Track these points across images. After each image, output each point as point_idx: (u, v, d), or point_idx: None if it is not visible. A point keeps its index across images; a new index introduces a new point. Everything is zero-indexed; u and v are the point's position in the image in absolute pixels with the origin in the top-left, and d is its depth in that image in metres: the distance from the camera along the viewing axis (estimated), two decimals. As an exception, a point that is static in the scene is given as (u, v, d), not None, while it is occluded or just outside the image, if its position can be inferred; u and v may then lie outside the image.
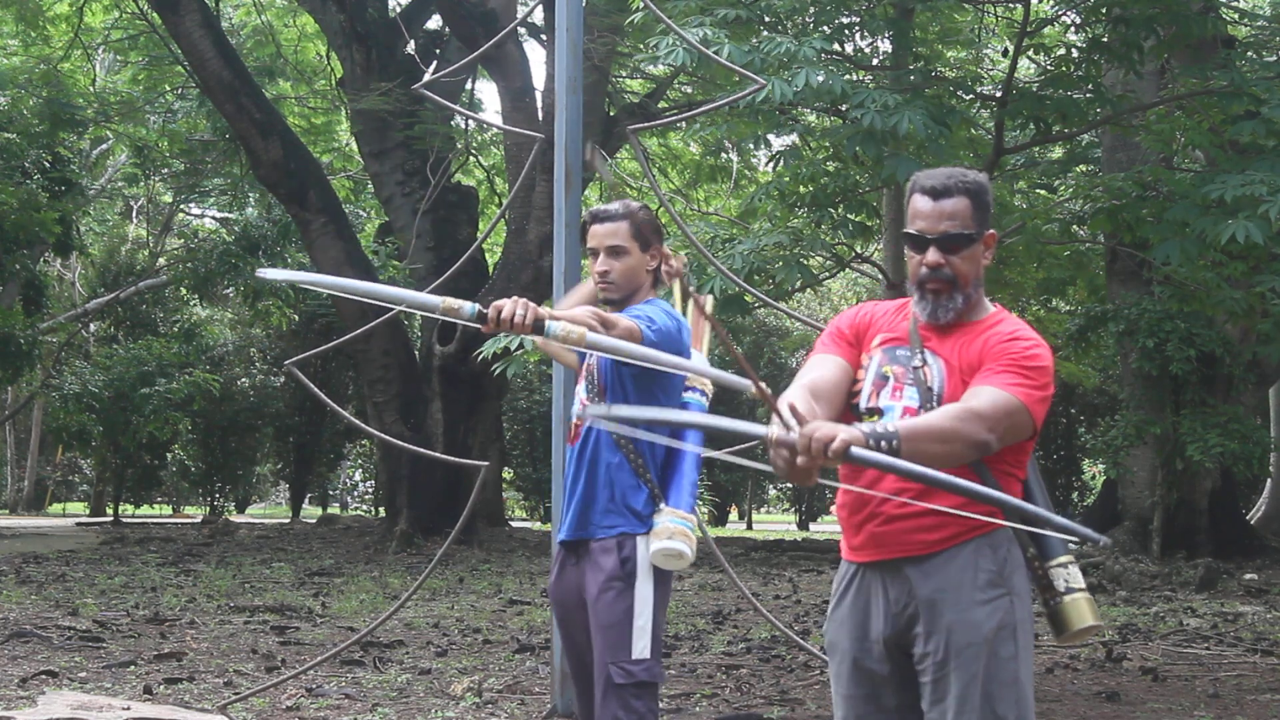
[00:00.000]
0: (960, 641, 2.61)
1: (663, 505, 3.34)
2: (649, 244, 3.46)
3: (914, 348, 2.74)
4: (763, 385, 2.47)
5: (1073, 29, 9.56)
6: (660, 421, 2.81)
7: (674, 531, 3.28)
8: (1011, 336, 2.70)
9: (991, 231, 2.78)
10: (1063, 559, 2.73)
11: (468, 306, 3.07)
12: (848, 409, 2.77)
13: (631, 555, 3.31)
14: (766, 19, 7.22)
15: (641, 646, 3.27)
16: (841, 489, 2.75)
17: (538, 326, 3.06)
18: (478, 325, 3.09)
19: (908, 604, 2.67)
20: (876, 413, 2.72)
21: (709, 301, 3.98)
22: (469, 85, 18.69)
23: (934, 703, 2.64)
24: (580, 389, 3.49)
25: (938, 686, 2.63)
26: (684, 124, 10.62)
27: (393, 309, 3.30)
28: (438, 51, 17.35)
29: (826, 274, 8.86)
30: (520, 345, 7.16)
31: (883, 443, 2.37)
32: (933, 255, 2.71)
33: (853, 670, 2.75)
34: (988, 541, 2.65)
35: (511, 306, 3.05)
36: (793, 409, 2.35)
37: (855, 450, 2.31)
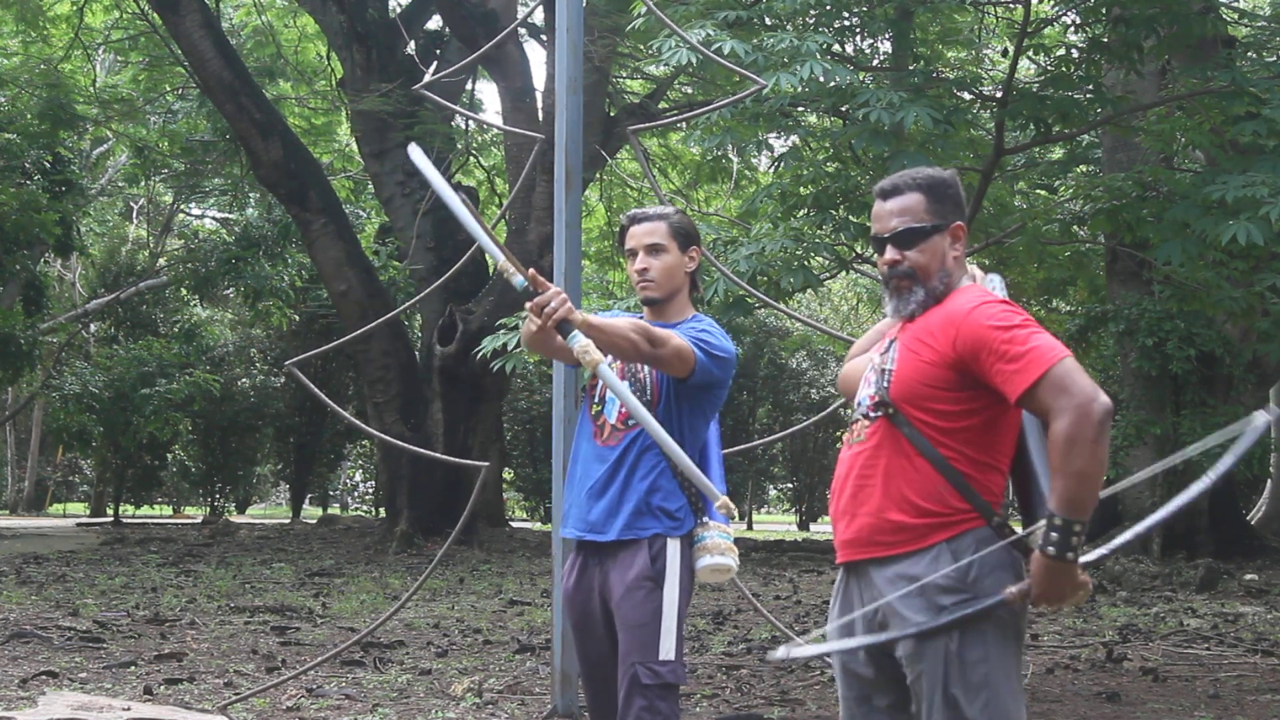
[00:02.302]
0: (922, 648, 2.63)
1: (706, 519, 3.35)
2: (687, 245, 3.48)
3: (889, 341, 2.82)
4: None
5: (1073, 29, 9.55)
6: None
7: (726, 548, 3.33)
8: (970, 309, 2.66)
9: (958, 223, 2.78)
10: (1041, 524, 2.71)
11: (519, 278, 3.04)
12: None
13: (662, 555, 3.31)
14: (768, 21, 7.22)
15: (668, 648, 3.27)
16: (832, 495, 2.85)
17: (563, 328, 3.03)
18: (524, 299, 3.06)
19: (879, 609, 2.71)
20: (857, 405, 2.82)
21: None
22: (469, 86, 18.69)
23: (915, 704, 2.69)
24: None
25: (915, 688, 2.68)
26: (684, 125, 10.63)
27: (480, 241, 3.23)
28: (438, 52, 17.35)
29: (827, 275, 8.85)
30: (520, 344, 7.17)
31: (1069, 536, 2.53)
32: (889, 253, 2.76)
33: (843, 673, 2.80)
34: (950, 546, 2.64)
35: (548, 297, 3.02)
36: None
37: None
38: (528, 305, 3.04)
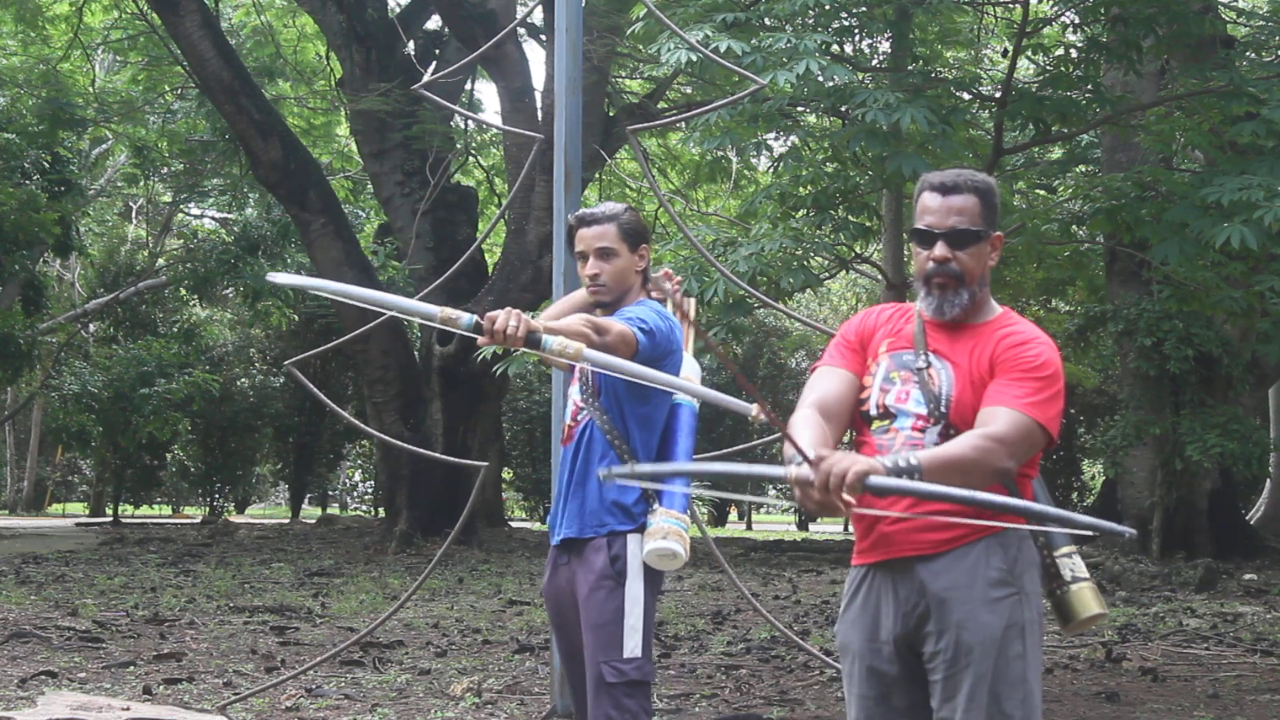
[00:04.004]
0: (970, 640, 2.62)
1: (656, 506, 3.35)
2: (637, 244, 3.49)
3: (918, 350, 2.76)
4: (773, 413, 2.56)
5: (1072, 29, 9.56)
6: (684, 473, 3.07)
7: (668, 531, 3.28)
8: (1021, 342, 2.70)
9: (998, 234, 2.81)
10: (1067, 549, 2.76)
11: (465, 317, 3.05)
12: (858, 416, 2.79)
13: (621, 554, 3.32)
14: (767, 21, 7.22)
15: (633, 645, 3.28)
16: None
17: (531, 339, 3.02)
18: (475, 335, 3.07)
19: (918, 603, 2.68)
20: (887, 416, 2.74)
21: (692, 305, 4.03)
22: (468, 85, 18.69)
23: (944, 701, 2.65)
24: (574, 390, 3.49)
25: (948, 685, 2.64)
26: (684, 125, 10.64)
27: (389, 312, 3.28)
28: (437, 52, 17.35)
29: (827, 275, 8.86)
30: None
31: (904, 475, 2.42)
32: (940, 250, 2.73)
33: (865, 672, 2.76)
34: (998, 540, 2.65)
35: (505, 318, 3.01)
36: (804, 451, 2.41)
37: (873, 480, 2.37)
38: (482, 340, 3.05)
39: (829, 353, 2.89)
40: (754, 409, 3.18)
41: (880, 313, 2.89)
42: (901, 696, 2.73)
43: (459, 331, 3.07)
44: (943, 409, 2.68)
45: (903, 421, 2.72)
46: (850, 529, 2.97)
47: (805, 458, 2.39)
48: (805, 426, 2.63)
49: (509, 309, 3.07)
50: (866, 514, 2.68)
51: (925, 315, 2.79)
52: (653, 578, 3.35)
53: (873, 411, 2.76)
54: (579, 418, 3.44)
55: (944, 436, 2.67)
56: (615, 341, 3.22)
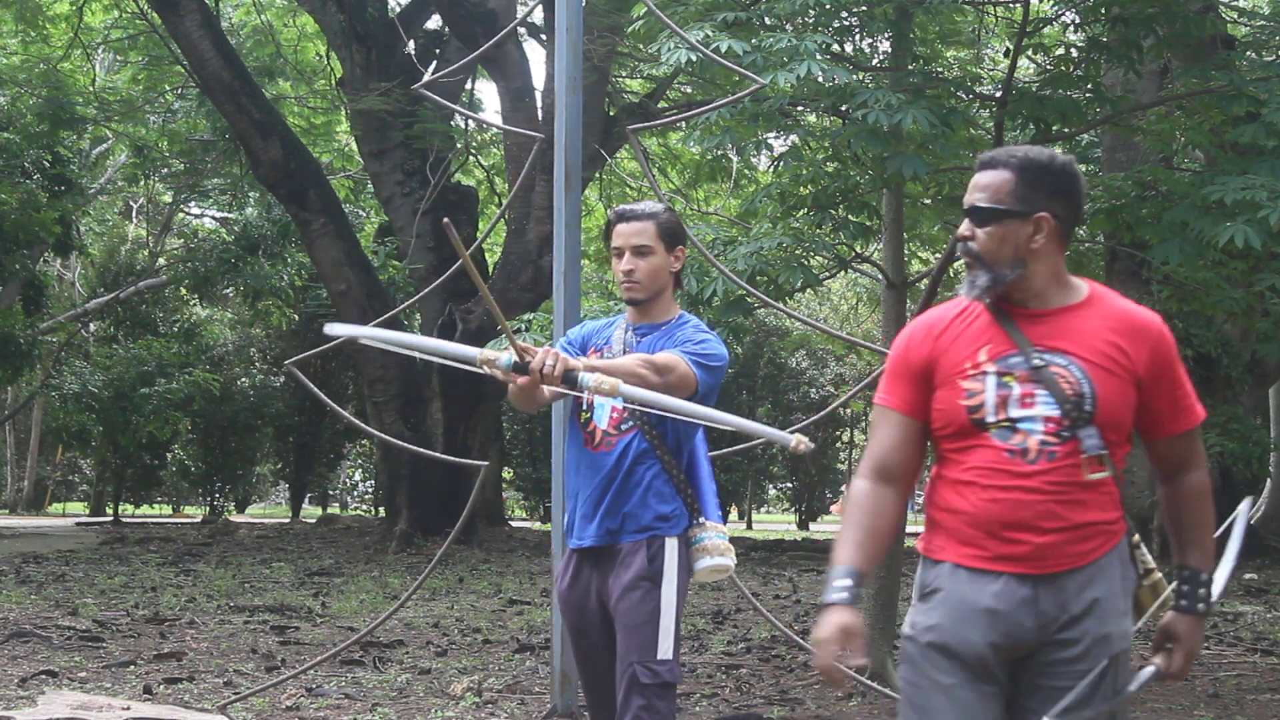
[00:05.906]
0: (1115, 650, 2.48)
1: (703, 519, 3.38)
2: (673, 245, 3.47)
3: (1024, 349, 2.52)
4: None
5: (1072, 29, 9.56)
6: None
7: (725, 548, 3.38)
8: (1170, 349, 2.58)
9: (1043, 214, 2.53)
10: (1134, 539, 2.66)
11: (503, 358, 3.07)
12: (968, 424, 2.53)
13: (660, 556, 3.33)
14: (767, 21, 7.22)
15: (666, 647, 3.29)
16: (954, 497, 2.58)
17: (569, 378, 3.05)
18: (515, 375, 3.07)
19: (1058, 615, 2.48)
20: (1009, 423, 2.50)
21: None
22: (469, 85, 18.69)
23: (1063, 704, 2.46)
24: (608, 400, 3.36)
25: (1071, 678, 2.46)
26: (684, 125, 10.63)
27: (436, 359, 3.30)
28: (437, 52, 17.35)
29: (827, 274, 8.85)
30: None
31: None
32: (963, 227, 2.57)
33: (947, 656, 2.51)
34: (1119, 555, 2.54)
35: (541, 357, 3.05)
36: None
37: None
38: (522, 380, 3.07)
39: (885, 387, 2.65)
40: (793, 440, 3.12)
41: (932, 326, 2.63)
42: (991, 683, 2.50)
43: (500, 373, 3.08)
44: (1087, 408, 2.47)
45: (1031, 425, 2.48)
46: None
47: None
48: (850, 527, 2.54)
49: (546, 348, 3.10)
50: (1012, 534, 2.47)
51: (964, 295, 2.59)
52: (684, 582, 3.36)
53: (989, 418, 2.51)
54: (622, 427, 3.38)
55: (1100, 438, 2.48)
56: (675, 382, 3.23)
